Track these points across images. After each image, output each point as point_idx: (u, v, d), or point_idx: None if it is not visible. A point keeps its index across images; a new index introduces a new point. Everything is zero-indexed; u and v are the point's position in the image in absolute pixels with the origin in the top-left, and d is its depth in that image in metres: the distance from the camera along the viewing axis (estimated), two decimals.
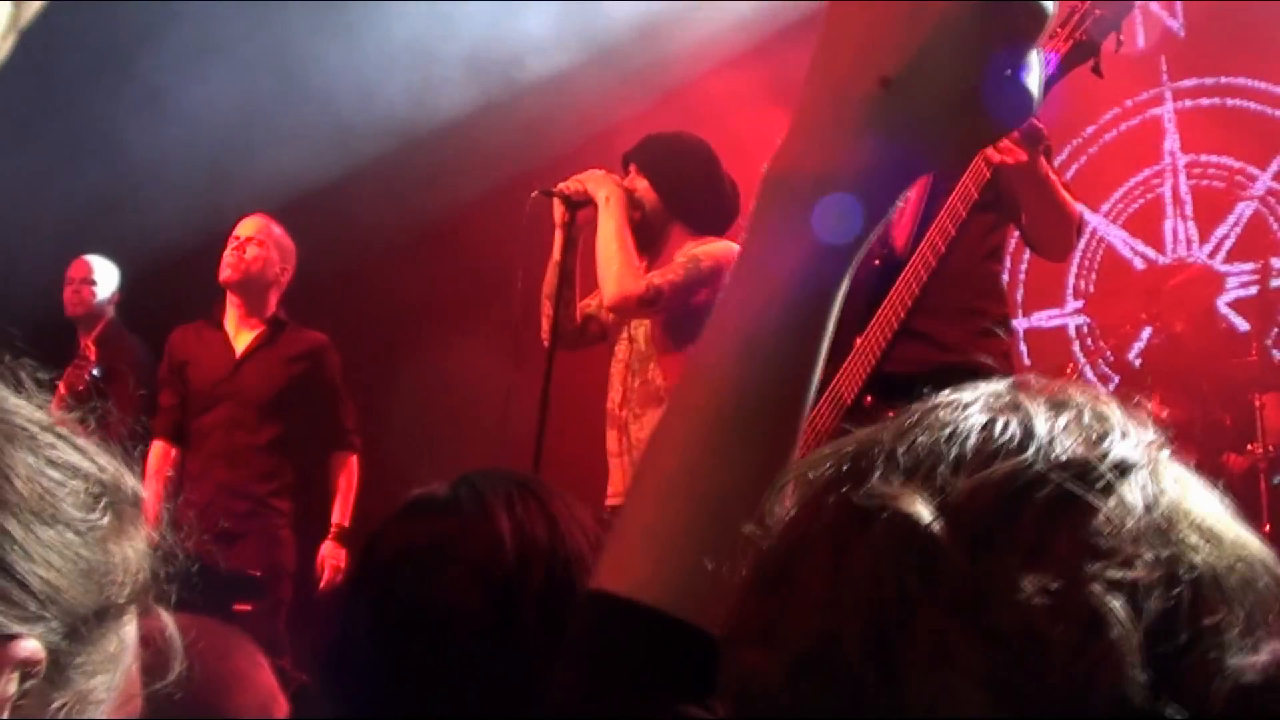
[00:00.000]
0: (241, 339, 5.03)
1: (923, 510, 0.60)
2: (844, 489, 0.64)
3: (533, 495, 1.38)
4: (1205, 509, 0.63)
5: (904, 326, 3.21)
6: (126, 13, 5.94)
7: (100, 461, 0.87)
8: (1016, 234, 3.57)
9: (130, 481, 0.89)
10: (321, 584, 4.86)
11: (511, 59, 6.03)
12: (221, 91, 5.97)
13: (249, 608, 4.55)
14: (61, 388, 5.27)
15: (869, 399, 3.23)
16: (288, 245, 5.12)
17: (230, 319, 5.06)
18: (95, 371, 5.25)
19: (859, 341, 3.27)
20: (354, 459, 5.05)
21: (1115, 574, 0.58)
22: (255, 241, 5.01)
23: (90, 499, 0.84)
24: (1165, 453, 0.65)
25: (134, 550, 0.87)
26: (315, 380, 5.01)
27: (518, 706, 1.25)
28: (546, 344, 3.91)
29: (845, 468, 0.65)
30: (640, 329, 3.96)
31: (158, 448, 4.96)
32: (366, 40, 5.92)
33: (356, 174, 6.22)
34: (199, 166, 5.95)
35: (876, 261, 3.33)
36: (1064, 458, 0.62)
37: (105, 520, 0.84)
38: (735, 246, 3.84)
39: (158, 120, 6.01)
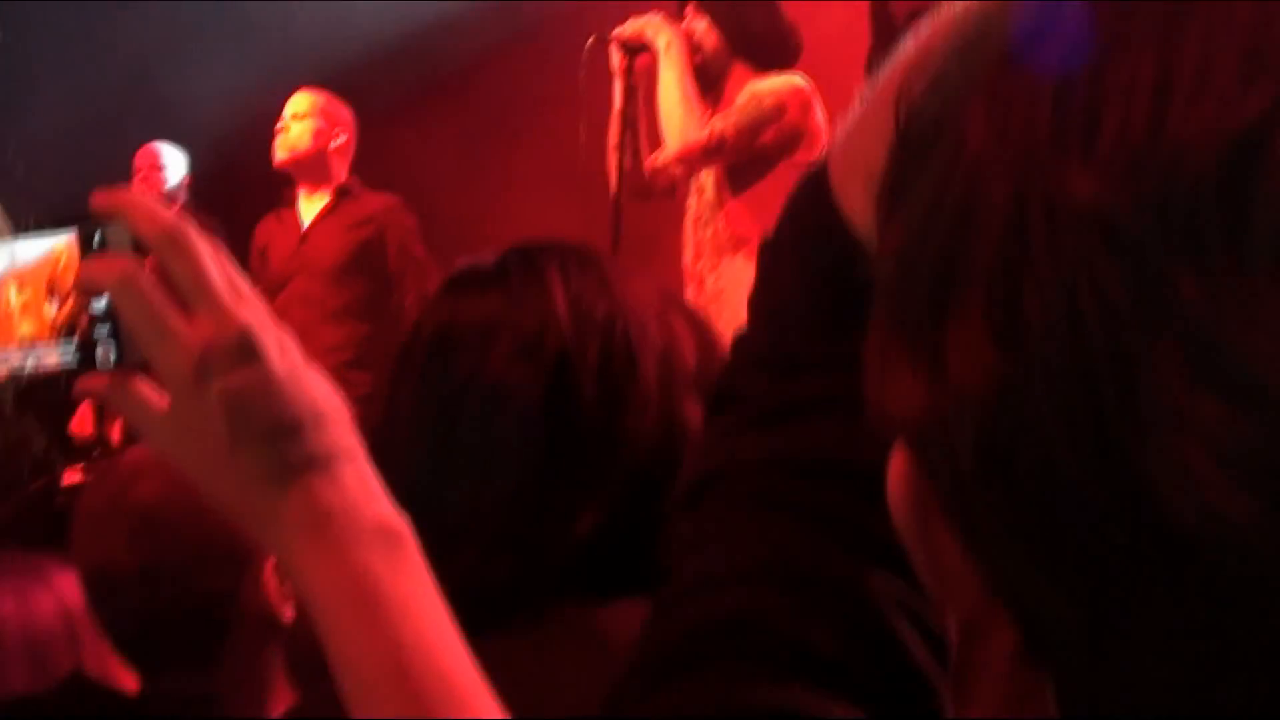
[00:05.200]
0: (309, 213, 4.99)
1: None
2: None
3: (591, 265, 1.27)
4: None
5: None
6: None
7: None
8: None
9: None
10: None
11: None
12: None
13: None
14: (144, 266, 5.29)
15: None
16: (339, 112, 5.02)
17: (301, 198, 5.02)
18: None
19: None
20: None
21: None
22: (298, 117, 4.94)
23: None
24: None
25: None
26: (384, 244, 4.89)
27: (574, 484, 1.17)
28: (614, 196, 3.78)
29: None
30: (709, 178, 3.84)
31: None
32: None
33: (425, 33, 6.10)
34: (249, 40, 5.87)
35: None
36: None
37: None
38: (797, 80, 3.73)
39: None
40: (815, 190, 0.64)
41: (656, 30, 3.72)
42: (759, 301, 0.68)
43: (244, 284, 0.84)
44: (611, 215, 3.71)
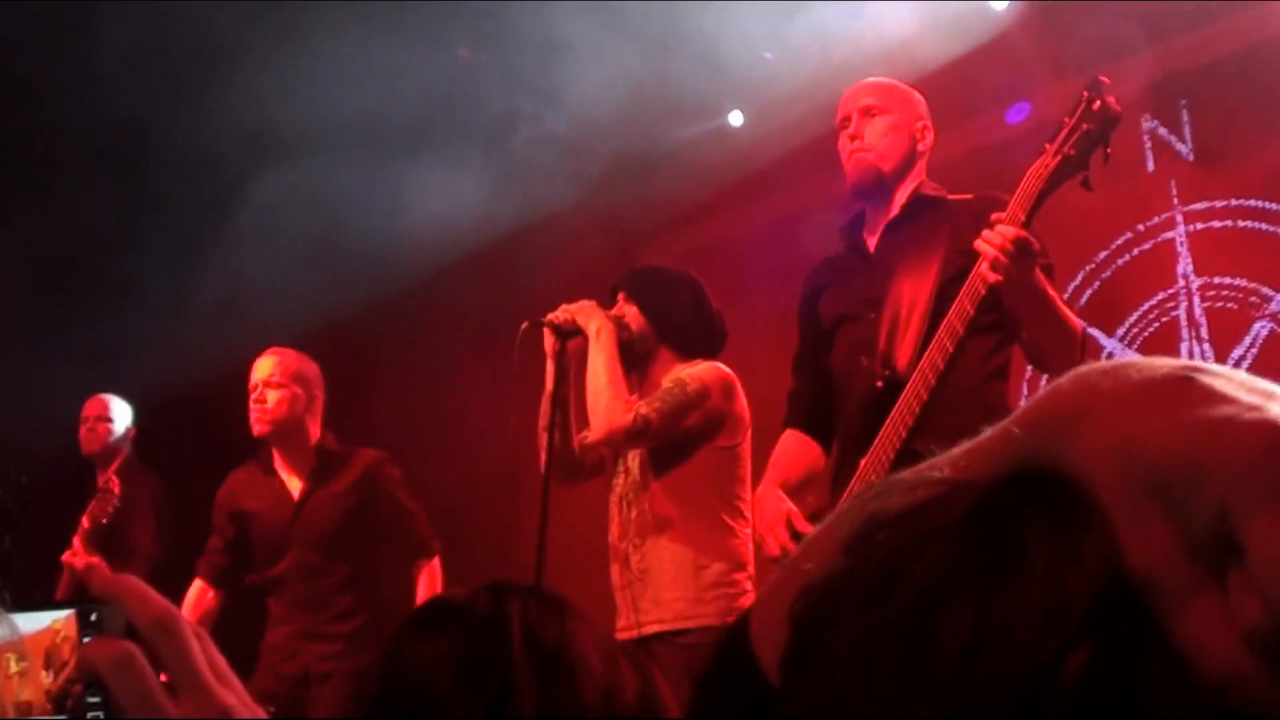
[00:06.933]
0: (294, 482, 4.88)
1: None
2: None
3: (551, 606, 1.37)
4: None
5: (906, 447, 3.13)
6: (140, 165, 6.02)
7: None
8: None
9: None
10: None
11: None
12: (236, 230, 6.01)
13: None
14: (85, 521, 5.21)
15: None
16: (309, 372, 4.94)
17: (280, 464, 4.91)
18: (119, 504, 5.20)
19: (863, 463, 3.20)
20: (435, 564, 4.85)
21: None
22: (272, 384, 4.83)
23: None
24: None
25: None
26: (376, 502, 4.85)
27: None
28: (543, 474, 3.82)
29: None
30: (635, 459, 3.92)
31: (197, 588, 4.88)
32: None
33: (364, 311, 6.22)
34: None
35: (879, 383, 3.27)
36: None
37: None
38: (721, 367, 3.85)
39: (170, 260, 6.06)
40: (740, 633, 0.69)
41: (588, 316, 3.84)
42: None
43: (224, 665, 0.89)
44: (541, 492, 3.74)
